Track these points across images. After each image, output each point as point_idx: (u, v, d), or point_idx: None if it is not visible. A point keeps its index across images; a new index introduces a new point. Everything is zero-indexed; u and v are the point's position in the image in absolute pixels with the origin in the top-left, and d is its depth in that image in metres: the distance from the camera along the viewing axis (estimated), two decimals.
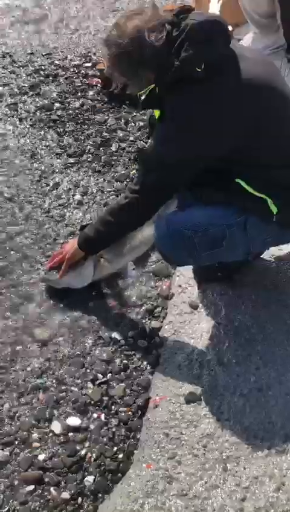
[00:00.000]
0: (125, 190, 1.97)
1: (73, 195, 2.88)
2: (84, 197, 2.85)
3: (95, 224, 2.06)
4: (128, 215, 1.94)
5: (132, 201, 1.88)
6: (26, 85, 3.76)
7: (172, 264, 2.28)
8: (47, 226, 2.66)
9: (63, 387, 1.90)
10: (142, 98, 1.90)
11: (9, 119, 3.42)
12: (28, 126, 3.38)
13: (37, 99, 3.63)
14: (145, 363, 2.00)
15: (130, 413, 1.83)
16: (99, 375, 1.94)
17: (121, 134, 3.29)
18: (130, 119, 3.44)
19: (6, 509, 1.56)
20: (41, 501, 1.59)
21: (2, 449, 1.71)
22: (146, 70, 1.71)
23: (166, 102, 1.75)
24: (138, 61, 1.67)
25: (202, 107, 1.66)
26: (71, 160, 3.11)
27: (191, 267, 2.30)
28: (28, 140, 3.25)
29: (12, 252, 2.51)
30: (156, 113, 1.97)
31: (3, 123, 3.40)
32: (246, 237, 1.85)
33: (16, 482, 1.63)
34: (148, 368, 1.99)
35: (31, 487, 1.62)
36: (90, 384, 1.91)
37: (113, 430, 1.78)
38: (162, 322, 2.17)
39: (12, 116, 3.46)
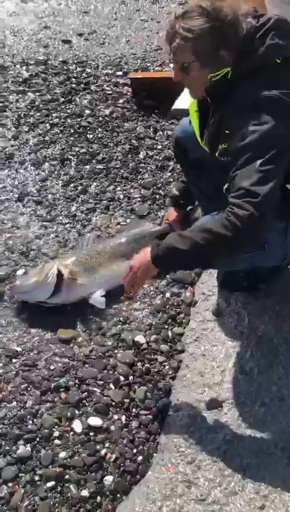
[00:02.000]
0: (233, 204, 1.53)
1: (100, 201, 2.93)
2: (111, 203, 2.90)
3: (186, 241, 1.58)
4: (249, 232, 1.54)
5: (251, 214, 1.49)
6: (58, 92, 3.85)
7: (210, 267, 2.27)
8: (74, 230, 2.72)
9: (85, 388, 1.92)
10: (213, 81, 1.67)
11: (40, 125, 3.51)
12: (58, 131, 3.46)
13: (68, 106, 3.71)
14: (167, 367, 2.02)
15: (150, 416, 1.84)
16: (121, 378, 1.97)
17: (149, 143, 3.34)
18: (158, 128, 3.49)
19: (27, 503, 1.59)
20: (61, 498, 1.61)
21: (24, 445, 1.74)
22: (229, 50, 1.62)
23: (240, 90, 1.62)
24: (227, 38, 1.60)
25: (285, 92, 1.58)
26: (100, 166, 3.17)
27: (215, 275, 2.31)
28: (58, 146, 3.33)
29: (30, 256, 2.56)
30: (192, 107, 1.90)
31: (35, 128, 3.48)
32: (285, 243, 1.87)
33: (37, 478, 1.66)
34: (170, 372, 2.00)
35: (52, 483, 1.64)
36: (112, 386, 1.93)
37: (134, 432, 1.79)
38: (184, 328, 2.18)
39: (44, 122, 3.54)
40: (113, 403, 1.88)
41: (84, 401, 1.88)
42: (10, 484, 1.64)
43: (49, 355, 2.07)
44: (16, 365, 2.02)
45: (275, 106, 1.56)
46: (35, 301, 2.25)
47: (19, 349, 2.10)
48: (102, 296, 2.23)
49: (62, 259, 2.35)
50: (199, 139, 1.93)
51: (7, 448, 1.73)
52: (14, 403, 1.88)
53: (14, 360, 2.05)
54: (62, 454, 1.72)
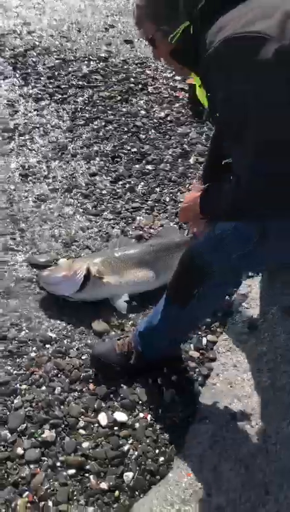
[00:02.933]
0: None
1: (146, 201, 2.95)
2: (157, 204, 2.92)
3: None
4: None
5: None
6: (116, 90, 3.91)
7: None
8: (117, 227, 2.75)
9: (114, 382, 1.94)
10: (173, 43, 1.52)
11: (95, 120, 3.57)
12: (112, 128, 3.51)
13: (124, 105, 3.75)
14: (196, 374, 2.01)
15: (176, 419, 1.84)
16: (150, 379, 1.97)
17: (200, 149, 3.35)
18: (211, 135, 3.49)
19: (47, 486, 1.61)
20: (81, 486, 1.63)
21: (50, 430, 1.77)
22: (180, 18, 1.47)
23: (203, 40, 1.41)
24: (173, 5, 1.47)
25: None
26: (149, 167, 3.19)
27: (254, 288, 2.30)
28: (110, 143, 3.37)
29: (73, 247, 2.60)
30: (197, 81, 1.69)
31: (90, 123, 3.54)
32: None
33: (58, 464, 1.68)
34: (199, 379, 1.99)
35: (73, 471, 1.66)
36: (140, 385, 1.94)
37: (158, 432, 1.80)
38: (218, 337, 2.17)
39: (99, 118, 3.60)
40: (140, 402, 1.88)
41: (112, 395, 1.90)
42: (32, 466, 1.67)
43: (81, 345, 2.10)
44: (49, 351, 2.06)
45: (233, 53, 1.33)
46: (60, 294, 2.28)
47: (53, 335, 2.13)
48: (125, 301, 2.25)
49: (92, 258, 2.37)
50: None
51: (32, 430, 1.76)
52: (44, 387, 1.91)
53: (47, 346, 2.09)
54: (85, 444, 1.74)
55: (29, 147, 3.28)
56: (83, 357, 2.04)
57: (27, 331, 2.15)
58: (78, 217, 2.81)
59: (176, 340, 1.97)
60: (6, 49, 4.25)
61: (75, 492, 1.61)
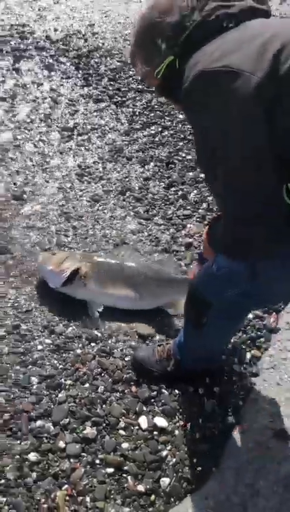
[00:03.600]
0: None
1: (197, 209, 2.96)
2: (209, 213, 2.93)
3: None
4: None
5: None
6: None
7: None
8: (167, 233, 2.77)
9: (156, 387, 1.96)
10: (159, 77, 1.50)
11: (152, 125, 3.61)
12: (168, 134, 3.54)
13: (181, 112, 3.78)
14: (238, 387, 2.01)
15: (215, 430, 1.85)
16: (191, 387, 1.98)
17: None
18: None
19: (86, 482, 1.65)
20: (118, 486, 1.66)
21: (91, 427, 1.81)
22: (164, 55, 1.45)
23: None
24: (159, 29, 1.44)
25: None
26: (203, 175, 3.20)
27: None
28: (166, 148, 3.40)
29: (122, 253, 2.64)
30: None
31: (147, 127, 3.58)
32: None
33: (97, 461, 1.72)
34: (241, 393, 1.99)
35: (111, 470, 1.69)
36: (181, 392, 1.96)
37: (197, 442, 1.81)
38: (262, 353, 2.16)
39: (156, 123, 3.63)
40: (181, 409, 1.90)
41: (153, 400, 1.92)
42: (72, 460, 1.71)
43: (125, 347, 2.14)
44: (94, 349, 2.10)
45: (205, 86, 1.29)
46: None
47: (98, 334, 2.18)
48: (98, 311, 2.27)
49: (88, 258, 2.39)
50: None
51: (75, 426, 1.80)
52: (87, 385, 1.95)
53: (92, 344, 2.13)
54: (125, 445, 1.77)
55: (87, 147, 3.35)
56: (126, 359, 2.08)
57: (74, 327, 2.20)
58: (130, 220, 2.85)
59: (201, 359, 1.95)
60: (71, 49, 4.35)
61: (112, 491, 1.64)
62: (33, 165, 3.13)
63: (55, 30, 4.64)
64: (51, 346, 2.09)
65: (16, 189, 2.93)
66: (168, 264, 2.51)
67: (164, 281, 2.38)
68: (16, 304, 2.28)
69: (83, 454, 1.74)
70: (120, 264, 2.40)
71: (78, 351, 2.08)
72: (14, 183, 2.96)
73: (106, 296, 2.32)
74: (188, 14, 1.41)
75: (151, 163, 3.27)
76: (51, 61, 4.14)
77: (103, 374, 2.00)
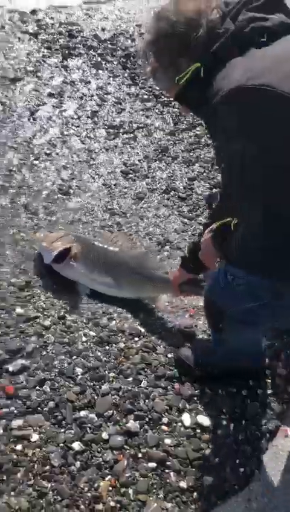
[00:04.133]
0: None
1: None
2: None
3: None
4: None
5: None
6: None
7: None
8: None
9: (199, 386, 1.96)
10: (181, 84, 1.44)
11: (199, 126, 3.61)
12: None
13: None
14: (282, 391, 1.99)
15: (258, 433, 1.83)
16: (235, 389, 1.97)
17: None
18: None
19: (128, 474, 1.66)
20: (160, 481, 1.66)
21: (134, 420, 1.82)
22: (188, 61, 1.41)
23: (211, 87, 1.34)
24: (183, 48, 1.40)
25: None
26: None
27: None
28: (212, 150, 3.39)
29: (167, 247, 2.64)
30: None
31: (193, 128, 3.58)
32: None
33: (140, 455, 1.73)
34: (285, 397, 1.97)
35: (154, 465, 1.70)
36: (225, 393, 1.95)
37: (239, 443, 1.80)
38: None
39: (202, 125, 3.63)
40: (224, 409, 1.89)
41: (196, 398, 1.92)
42: (116, 452, 1.72)
43: (168, 343, 2.14)
44: (138, 344, 2.11)
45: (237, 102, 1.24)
46: None
47: (142, 329, 2.19)
48: (86, 293, 2.34)
49: (82, 239, 2.45)
50: None
51: (118, 418, 1.82)
52: (130, 379, 1.96)
53: (136, 339, 2.14)
54: (167, 441, 1.77)
55: (132, 145, 3.37)
56: (169, 355, 2.08)
57: (118, 321, 2.22)
58: (173, 219, 2.86)
59: (233, 360, 1.94)
60: (118, 48, 4.39)
61: (154, 486, 1.65)
62: (79, 161, 3.17)
63: (103, 29, 4.69)
64: (95, 338, 2.11)
65: (62, 183, 2.97)
66: (145, 260, 2.50)
67: (145, 277, 2.42)
68: (61, 295, 2.31)
69: (125, 446, 1.74)
70: (107, 251, 2.45)
71: (122, 345, 2.10)
72: (62, 178, 3.00)
73: (89, 279, 2.39)
74: (218, 21, 1.37)
75: (197, 164, 3.26)
76: (98, 59, 4.18)
77: (145, 369, 2.01)
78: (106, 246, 2.46)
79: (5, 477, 1.61)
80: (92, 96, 3.75)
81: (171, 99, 2.32)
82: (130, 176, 3.12)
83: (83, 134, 3.39)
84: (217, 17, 1.37)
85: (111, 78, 4.00)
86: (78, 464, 1.67)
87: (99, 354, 2.05)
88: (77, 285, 2.36)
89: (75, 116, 3.53)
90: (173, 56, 1.43)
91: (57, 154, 3.19)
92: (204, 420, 1.84)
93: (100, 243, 2.48)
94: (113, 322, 2.21)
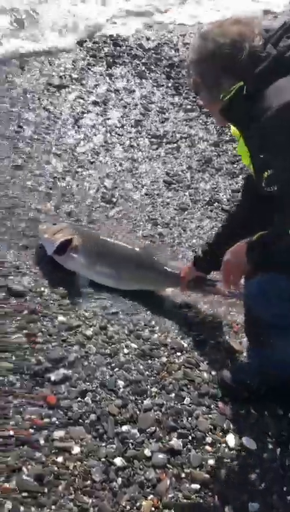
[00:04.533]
0: None
1: None
2: None
3: None
4: None
5: None
6: None
7: None
8: None
9: (244, 407, 1.90)
10: (225, 100, 1.60)
11: None
12: None
13: None
14: None
15: None
16: (281, 410, 1.90)
17: None
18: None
19: (171, 495, 1.61)
20: (204, 504, 1.61)
21: (177, 438, 1.77)
22: (231, 80, 1.56)
23: (257, 104, 1.51)
24: (225, 67, 1.56)
25: None
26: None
27: None
28: None
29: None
30: (237, 134, 1.79)
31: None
32: None
33: (183, 475, 1.68)
34: None
35: (197, 486, 1.64)
36: (271, 415, 1.88)
37: (286, 469, 1.73)
38: None
39: None
40: (270, 432, 1.82)
41: (241, 418, 1.86)
42: (158, 470, 1.68)
43: (212, 360, 2.09)
44: (180, 359, 2.07)
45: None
46: None
47: (185, 344, 2.14)
48: (85, 283, 2.34)
49: (84, 232, 2.47)
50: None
51: (160, 435, 1.77)
52: (173, 395, 1.92)
53: (178, 354, 2.10)
54: (211, 462, 1.71)
55: (175, 156, 3.35)
56: (213, 373, 2.03)
57: (160, 334, 2.18)
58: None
59: (279, 377, 1.88)
60: (163, 58, 4.39)
61: (199, 509, 1.59)
62: (122, 170, 3.17)
63: (148, 39, 4.71)
64: (137, 351, 2.07)
65: (105, 192, 2.97)
66: (151, 253, 2.51)
67: (149, 274, 2.42)
68: (103, 305, 2.30)
69: (168, 465, 1.70)
70: (110, 243, 2.47)
71: (164, 359, 2.06)
72: (105, 187, 3.00)
73: (90, 271, 2.39)
74: (260, 46, 1.52)
75: (241, 176, 3.21)
76: (143, 68, 4.19)
77: (188, 386, 1.96)
78: (108, 239, 2.50)
79: (46, 490, 1.58)
80: (136, 105, 3.75)
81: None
82: (173, 186, 3.10)
83: (126, 143, 3.39)
84: (259, 43, 1.53)
85: (155, 88, 4.00)
86: (119, 480, 1.64)
87: (141, 367, 2.01)
88: (77, 276, 2.38)
89: (119, 125, 3.53)
90: (217, 75, 1.58)
91: (101, 162, 3.19)
92: (249, 442, 1.78)
93: (102, 236, 2.52)
94: (156, 335, 2.17)
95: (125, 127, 3.53)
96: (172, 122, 3.65)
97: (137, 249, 2.49)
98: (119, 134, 3.44)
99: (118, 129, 3.49)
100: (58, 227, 2.47)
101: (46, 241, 2.42)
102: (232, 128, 1.86)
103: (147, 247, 2.58)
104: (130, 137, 3.44)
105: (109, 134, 3.43)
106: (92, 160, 3.17)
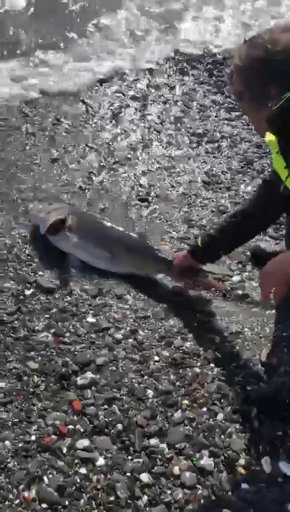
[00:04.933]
0: None
1: None
2: None
3: None
4: None
5: None
6: None
7: None
8: None
9: (281, 428, 1.76)
10: (274, 109, 1.57)
11: None
12: None
13: None
14: None
15: None
16: None
17: None
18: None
19: None
20: None
21: (208, 457, 1.65)
22: (279, 88, 1.54)
23: None
24: (275, 75, 1.54)
25: None
26: None
27: None
28: None
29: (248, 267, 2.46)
30: (273, 147, 1.78)
31: None
32: None
33: (214, 498, 1.55)
34: None
35: None
36: None
37: None
38: None
39: None
40: None
41: (279, 440, 1.72)
42: (187, 491, 1.56)
43: (247, 374, 1.95)
44: (214, 371, 1.94)
45: None
46: None
47: (219, 355, 2.02)
48: (76, 262, 2.32)
49: (78, 212, 2.47)
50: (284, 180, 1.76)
51: (190, 452, 1.65)
52: (205, 409, 1.80)
53: (212, 365, 1.97)
54: (245, 486, 1.58)
55: (215, 155, 3.22)
56: (248, 387, 1.89)
57: (192, 343, 2.06)
58: (256, 236, 2.66)
59: None
60: (205, 55, 4.26)
61: None
62: (159, 168, 3.06)
63: None
64: (168, 359, 1.96)
65: (141, 190, 2.86)
66: (145, 237, 2.47)
67: (144, 256, 2.37)
68: (134, 308, 2.19)
69: (198, 486, 1.58)
70: (104, 224, 2.42)
71: (197, 370, 1.94)
72: (140, 184, 2.90)
73: (83, 252, 2.35)
74: None
75: None
76: (184, 65, 4.07)
77: (222, 400, 1.84)
78: (103, 221, 2.46)
79: (66, 503, 1.48)
80: (176, 101, 3.64)
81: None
82: (212, 186, 2.97)
83: (164, 140, 3.28)
84: None
85: (196, 85, 3.88)
86: (145, 498, 1.52)
87: (172, 377, 1.89)
88: (69, 257, 2.33)
89: (158, 121, 3.43)
90: (265, 82, 1.56)
91: (137, 159, 3.09)
92: (286, 468, 1.64)
93: (96, 217, 2.50)
94: (188, 343, 2.05)
95: (164, 123, 3.42)
96: (213, 121, 3.52)
97: (131, 233, 2.46)
98: (157, 131, 3.34)
99: (156, 125, 3.39)
100: (53, 207, 2.45)
101: (40, 220, 2.39)
102: (268, 137, 1.79)
103: (143, 232, 2.56)
104: (169, 134, 3.33)
105: (147, 131, 3.33)
106: (128, 156, 3.07)
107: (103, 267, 2.36)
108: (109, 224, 2.43)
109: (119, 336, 2.03)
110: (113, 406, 1.76)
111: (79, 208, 2.61)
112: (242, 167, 3.13)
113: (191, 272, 2.29)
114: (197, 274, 2.31)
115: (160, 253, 2.38)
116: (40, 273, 2.26)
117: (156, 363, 1.94)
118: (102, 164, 2.95)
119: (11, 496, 1.49)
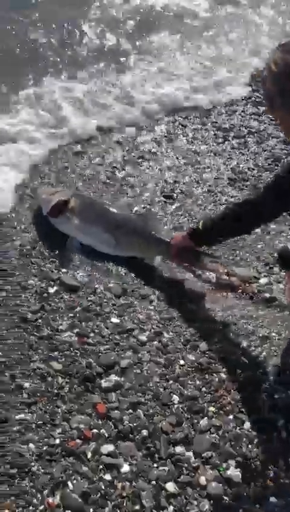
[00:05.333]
0: None
1: None
2: None
3: None
4: None
5: None
6: None
7: None
8: None
9: None
10: None
11: None
12: None
13: None
14: None
15: None
16: None
17: None
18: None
19: None
20: None
21: (235, 467, 1.61)
22: None
23: None
24: None
25: None
26: None
27: None
28: None
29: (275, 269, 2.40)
30: None
31: None
32: None
33: (241, 511, 1.51)
34: None
35: None
36: None
37: None
38: None
39: None
40: None
41: None
42: (213, 502, 1.52)
43: (274, 381, 1.90)
44: (241, 377, 1.89)
45: None
46: None
47: (246, 361, 1.97)
48: (75, 246, 2.31)
49: (81, 195, 2.49)
50: None
51: (217, 462, 1.62)
52: (231, 416, 1.76)
53: (239, 371, 1.92)
54: (273, 500, 1.54)
55: (242, 151, 3.14)
56: (276, 396, 1.84)
57: (218, 347, 2.01)
58: (284, 239, 2.60)
59: None
60: None
61: None
62: (185, 163, 2.99)
63: None
64: (194, 363, 1.92)
65: (165, 185, 2.80)
66: (152, 221, 2.48)
67: (147, 240, 2.36)
68: (158, 308, 2.15)
69: (225, 498, 1.54)
70: (105, 207, 2.45)
71: (223, 376, 1.89)
72: (165, 180, 2.84)
73: (86, 234, 2.35)
74: None
75: None
76: None
77: (248, 413, 1.79)
78: (104, 204, 2.47)
79: (91, 510, 1.46)
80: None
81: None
82: (238, 184, 2.90)
83: (189, 134, 3.21)
84: None
85: None
86: (171, 509, 1.49)
87: (198, 382, 1.85)
88: (69, 239, 2.33)
89: (183, 115, 3.35)
90: None
91: (162, 153, 3.03)
92: None
93: (101, 203, 2.50)
94: (214, 347, 2.00)
95: (189, 117, 3.34)
96: (240, 116, 3.44)
97: (131, 215, 2.46)
98: (183, 125, 3.26)
99: (181, 119, 3.31)
100: (56, 189, 2.48)
101: (43, 201, 2.41)
102: None
103: (147, 214, 2.57)
104: (194, 129, 3.25)
105: (172, 124, 3.25)
106: (153, 151, 3.01)
107: (104, 250, 2.36)
108: (110, 207, 2.45)
109: (143, 337, 1.99)
110: (138, 410, 1.73)
111: (82, 192, 2.63)
112: (269, 164, 3.05)
113: (189, 253, 2.27)
114: (199, 258, 2.31)
115: (158, 235, 2.37)
116: (64, 270, 2.22)
117: (181, 367, 1.90)
118: (126, 159, 2.89)
119: (35, 501, 1.46)
